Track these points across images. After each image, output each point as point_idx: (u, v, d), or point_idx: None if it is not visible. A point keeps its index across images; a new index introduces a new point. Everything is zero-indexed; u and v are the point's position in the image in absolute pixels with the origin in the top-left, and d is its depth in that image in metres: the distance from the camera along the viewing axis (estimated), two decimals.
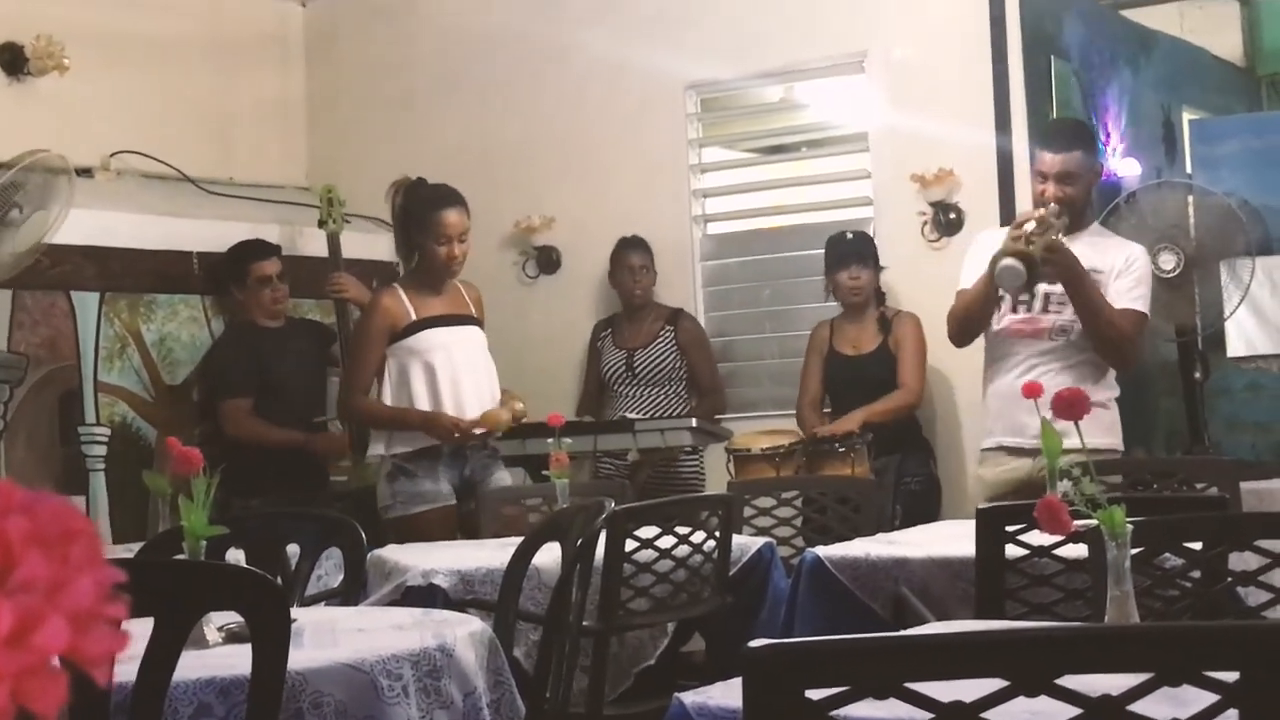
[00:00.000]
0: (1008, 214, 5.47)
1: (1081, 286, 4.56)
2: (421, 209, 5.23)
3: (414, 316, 5.22)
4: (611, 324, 6.23)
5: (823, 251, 5.77)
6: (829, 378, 5.72)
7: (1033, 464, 4.48)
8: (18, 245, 5.08)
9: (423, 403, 5.18)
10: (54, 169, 5.17)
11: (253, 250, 5.94)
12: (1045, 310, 4.71)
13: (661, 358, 6.05)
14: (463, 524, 5.13)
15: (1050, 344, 4.67)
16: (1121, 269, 4.65)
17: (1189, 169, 6.61)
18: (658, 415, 5.95)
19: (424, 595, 3.81)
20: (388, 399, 5.22)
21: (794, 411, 5.78)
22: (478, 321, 5.36)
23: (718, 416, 5.97)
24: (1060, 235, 4.56)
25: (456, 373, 5.21)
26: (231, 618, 2.56)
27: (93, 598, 0.63)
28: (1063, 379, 4.48)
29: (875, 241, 5.77)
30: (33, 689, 0.63)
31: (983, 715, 1.49)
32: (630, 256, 6.16)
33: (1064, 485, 2.49)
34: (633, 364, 6.06)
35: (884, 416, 5.47)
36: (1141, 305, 4.64)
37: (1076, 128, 5.07)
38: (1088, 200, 4.74)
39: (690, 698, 1.94)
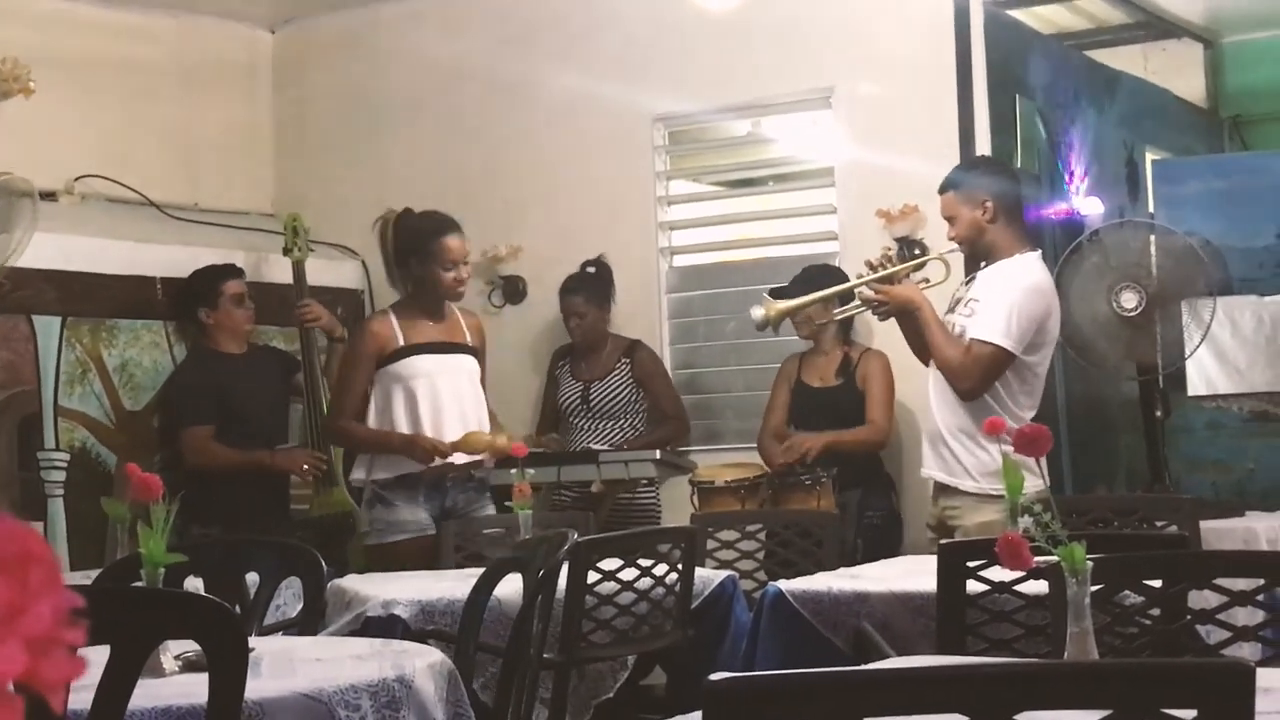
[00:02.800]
0: None
1: (915, 324, 4.76)
2: (421, 238, 5.25)
3: (401, 342, 5.24)
4: (570, 353, 6.18)
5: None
6: (795, 408, 5.71)
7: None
8: None
9: (403, 428, 5.18)
10: (18, 192, 5.14)
11: (223, 271, 5.94)
12: None
13: (618, 391, 6.00)
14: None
15: (938, 378, 4.76)
16: (985, 300, 4.68)
17: (1151, 208, 6.66)
18: (615, 448, 5.89)
19: (384, 625, 3.80)
20: (372, 424, 5.24)
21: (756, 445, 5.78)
22: (473, 351, 5.36)
23: (682, 448, 5.95)
24: (947, 271, 4.88)
25: (439, 400, 5.21)
26: (189, 646, 2.55)
27: (50, 623, 0.62)
28: (945, 413, 4.71)
29: (831, 276, 5.69)
30: None
31: None
32: (569, 301, 6.06)
33: (1025, 521, 2.49)
34: (588, 397, 6.02)
35: (849, 447, 5.46)
36: (992, 335, 4.61)
37: (956, 169, 5.05)
38: (980, 233, 4.74)
39: None
